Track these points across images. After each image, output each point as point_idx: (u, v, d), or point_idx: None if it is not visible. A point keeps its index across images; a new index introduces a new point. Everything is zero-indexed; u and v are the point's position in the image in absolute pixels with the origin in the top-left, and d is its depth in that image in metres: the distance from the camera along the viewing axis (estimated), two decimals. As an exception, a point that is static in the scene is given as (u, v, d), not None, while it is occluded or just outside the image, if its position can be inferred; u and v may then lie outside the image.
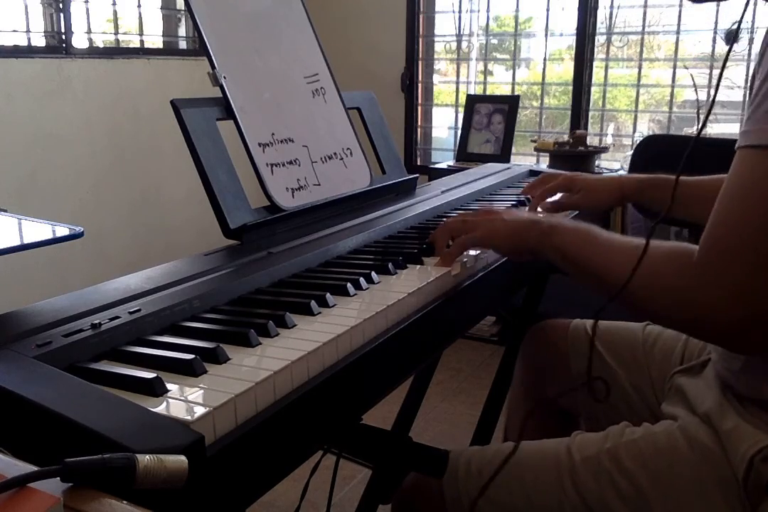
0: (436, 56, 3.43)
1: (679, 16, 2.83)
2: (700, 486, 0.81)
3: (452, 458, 0.93)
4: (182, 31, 3.22)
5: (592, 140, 2.93)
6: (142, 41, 3.00)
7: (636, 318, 0.92)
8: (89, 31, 2.76)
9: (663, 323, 0.87)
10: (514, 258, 1.01)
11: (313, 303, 0.77)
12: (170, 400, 0.57)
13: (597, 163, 2.83)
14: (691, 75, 2.76)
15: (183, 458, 0.45)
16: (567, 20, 3.07)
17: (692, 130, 2.70)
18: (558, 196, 1.28)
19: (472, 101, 3.12)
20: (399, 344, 0.78)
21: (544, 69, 3.18)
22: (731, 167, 0.71)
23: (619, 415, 1.07)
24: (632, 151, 2.39)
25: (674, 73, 2.89)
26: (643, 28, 2.94)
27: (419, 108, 3.45)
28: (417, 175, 1.38)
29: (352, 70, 2.94)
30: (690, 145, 0.76)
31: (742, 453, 0.78)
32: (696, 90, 2.72)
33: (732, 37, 2.68)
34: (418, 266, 0.95)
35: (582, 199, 1.23)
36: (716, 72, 2.80)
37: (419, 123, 3.46)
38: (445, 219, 1.22)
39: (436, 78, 3.47)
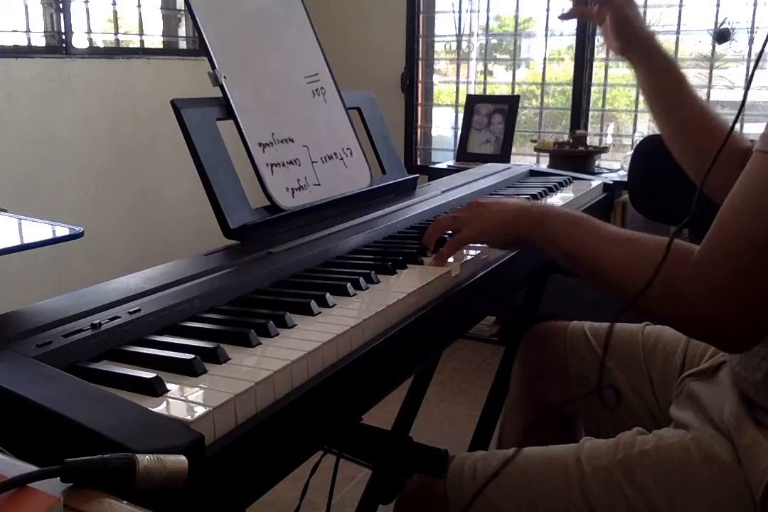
0: (436, 56, 3.43)
1: (679, 16, 2.83)
2: (714, 503, 0.78)
3: (457, 461, 0.91)
4: (182, 31, 3.22)
5: (592, 140, 2.93)
6: (142, 41, 3.00)
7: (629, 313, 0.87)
8: (89, 31, 2.76)
9: (655, 318, 0.84)
10: (510, 250, 0.99)
11: (313, 303, 0.77)
12: (170, 400, 0.57)
13: (597, 162, 2.83)
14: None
15: (183, 458, 0.45)
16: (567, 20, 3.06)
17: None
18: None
19: (472, 101, 3.12)
20: (399, 344, 0.78)
21: (544, 69, 3.18)
22: (746, 167, 0.70)
23: (620, 419, 1.06)
24: (632, 151, 2.39)
25: (674, 73, 2.89)
26: (643, 28, 2.93)
27: (419, 108, 3.45)
28: (417, 175, 1.38)
29: (352, 70, 2.93)
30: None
31: (761, 472, 0.75)
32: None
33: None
34: (418, 266, 0.94)
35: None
36: (715, 72, 2.80)
37: (419, 123, 3.46)
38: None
39: (436, 78, 3.47)
